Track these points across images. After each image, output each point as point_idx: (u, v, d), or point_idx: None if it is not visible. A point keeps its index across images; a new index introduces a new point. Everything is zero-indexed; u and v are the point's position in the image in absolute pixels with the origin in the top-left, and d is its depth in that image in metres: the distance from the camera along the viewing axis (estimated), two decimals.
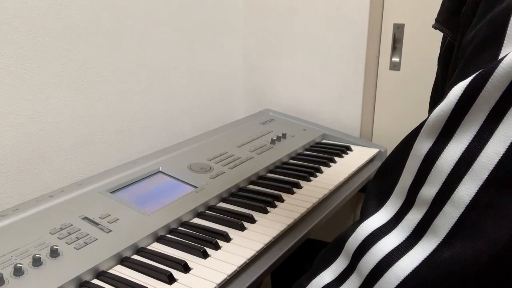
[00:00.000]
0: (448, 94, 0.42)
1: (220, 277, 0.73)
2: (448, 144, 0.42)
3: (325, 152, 1.28)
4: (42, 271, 0.71)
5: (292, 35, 1.54)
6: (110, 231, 0.82)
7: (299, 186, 1.05)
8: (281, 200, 0.99)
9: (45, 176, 1.07)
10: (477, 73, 0.40)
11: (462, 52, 0.46)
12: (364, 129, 1.49)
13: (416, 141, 0.45)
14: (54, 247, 0.74)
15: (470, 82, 0.40)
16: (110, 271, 0.75)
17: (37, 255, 0.72)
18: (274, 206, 0.96)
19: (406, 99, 1.41)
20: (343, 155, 1.27)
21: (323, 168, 1.17)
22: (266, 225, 0.89)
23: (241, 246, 0.82)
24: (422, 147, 0.44)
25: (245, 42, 1.64)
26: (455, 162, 0.41)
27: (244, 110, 1.71)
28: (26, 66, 1.00)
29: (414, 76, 1.38)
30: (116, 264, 0.77)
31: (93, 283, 0.72)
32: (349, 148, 1.32)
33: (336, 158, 1.24)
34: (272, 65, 1.61)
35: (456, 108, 0.41)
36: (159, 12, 1.30)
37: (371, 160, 1.29)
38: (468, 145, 0.41)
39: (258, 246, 0.81)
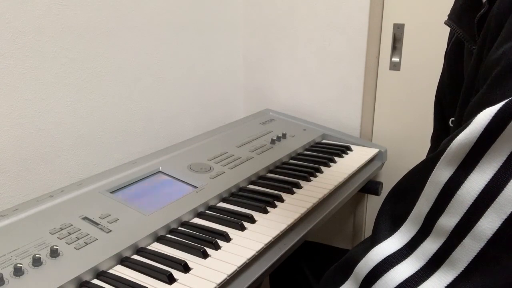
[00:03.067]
0: (474, 120, 0.39)
1: (220, 277, 0.73)
2: (471, 174, 0.40)
3: (325, 152, 1.28)
4: (42, 271, 0.71)
5: (292, 35, 1.54)
6: (110, 231, 0.82)
7: (299, 186, 1.05)
8: (281, 200, 0.99)
9: (45, 176, 1.07)
10: (506, 101, 0.38)
11: (486, 70, 0.43)
12: (364, 129, 1.49)
13: (436, 167, 0.43)
14: (54, 247, 0.74)
15: (499, 110, 0.38)
16: (110, 271, 0.75)
17: (37, 255, 0.72)
18: (274, 206, 0.96)
19: (406, 99, 1.41)
20: (343, 155, 1.27)
21: (323, 168, 1.17)
22: (266, 225, 0.89)
23: (241, 246, 0.82)
24: (442, 174, 0.42)
25: (245, 42, 1.64)
26: (478, 193, 0.39)
27: (244, 110, 1.71)
28: (26, 66, 1.00)
29: (414, 76, 1.38)
30: (116, 264, 0.77)
31: (93, 283, 0.72)
32: (349, 148, 1.32)
33: (336, 158, 1.24)
34: (272, 65, 1.61)
35: (482, 136, 0.39)
36: (159, 12, 1.30)
37: (371, 160, 1.29)
38: (492, 177, 0.39)
39: (258, 246, 0.81)
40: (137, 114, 1.29)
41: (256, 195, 1.00)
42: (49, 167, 1.08)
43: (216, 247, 0.81)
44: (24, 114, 1.01)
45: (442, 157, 0.42)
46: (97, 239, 0.79)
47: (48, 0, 1.02)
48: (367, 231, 1.57)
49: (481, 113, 0.39)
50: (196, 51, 1.45)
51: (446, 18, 0.64)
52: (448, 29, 0.67)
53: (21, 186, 1.03)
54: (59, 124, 1.09)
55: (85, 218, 0.85)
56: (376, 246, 0.47)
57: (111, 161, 1.22)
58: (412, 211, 0.45)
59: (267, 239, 0.83)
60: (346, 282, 0.50)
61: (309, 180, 1.10)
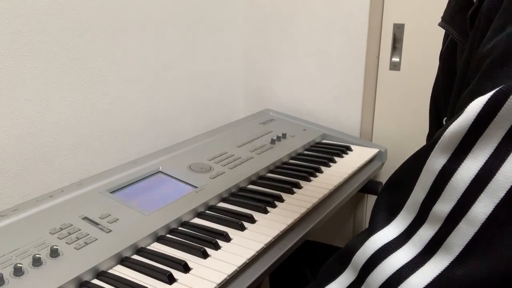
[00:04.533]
0: (466, 109, 0.41)
1: (220, 277, 0.73)
2: (464, 161, 0.41)
3: (325, 152, 1.28)
4: (42, 271, 0.71)
5: (292, 35, 1.54)
6: (110, 231, 0.82)
7: (299, 186, 1.05)
8: (281, 200, 0.99)
9: (45, 176, 1.07)
10: (497, 89, 0.39)
11: (477, 63, 0.45)
12: (364, 129, 1.49)
13: (430, 156, 0.44)
14: (54, 247, 0.74)
15: (490, 98, 0.39)
16: (110, 271, 0.75)
17: (37, 255, 0.72)
18: (274, 206, 0.96)
19: (406, 99, 1.41)
20: (343, 155, 1.27)
21: (323, 168, 1.17)
22: (266, 225, 0.89)
23: (241, 246, 0.82)
24: (436, 162, 0.43)
25: (245, 42, 1.64)
26: (471, 179, 0.40)
27: (244, 110, 1.71)
28: (26, 66, 1.00)
29: (414, 76, 1.38)
30: (116, 264, 0.77)
31: (93, 283, 0.72)
32: (349, 148, 1.32)
33: (336, 158, 1.24)
34: (272, 65, 1.61)
35: (474, 124, 0.40)
36: (159, 12, 1.30)
37: (371, 160, 1.29)
38: (485, 163, 0.40)
39: (258, 246, 0.81)
40: (137, 114, 1.29)
41: (256, 195, 1.00)
42: (49, 167, 1.08)
43: (216, 247, 0.81)
44: (24, 114, 1.01)
45: (436, 146, 0.43)
46: (97, 239, 0.79)
47: (48, 0, 1.02)
48: None
49: (473, 102, 0.40)
50: (196, 51, 1.45)
51: None
52: None
53: (21, 186, 1.03)
54: (59, 124, 1.09)
55: (85, 218, 0.85)
56: (373, 235, 0.48)
57: (111, 161, 1.22)
58: (408, 200, 0.46)
59: (267, 239, 0.83)
60: (344, 272, 0.51)
61: (309, 180, 1.10)
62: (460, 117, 0.41)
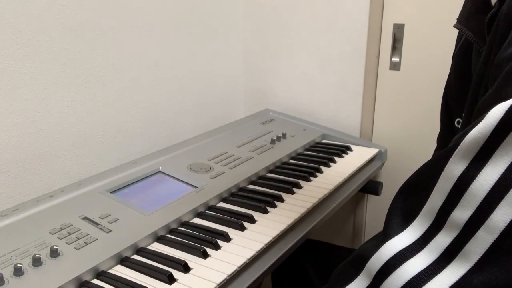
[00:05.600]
0: (487, 115, 0.40)
1: (220, 277, 0.73)
2: (484, 168, 0.41)
3: (325, 152, 1.28)
4: (42, 271, 0.71)
5: (292, 35, 1.54)
6: (110, 231, 0.82)
7: (299, 186, 1.05)
8: (281, 200, 0.99)
9: (45, 176, 1.07)
10: None
11: (497, 67, 0.44)
12: (364, 129, 1.49)
13: (449, 162, 0.43)
14: (54, 247, 0.74)
15: None
16: (110, 271, 0.75)
17: (37, 255, 0.72)
18: (274, 206, 0.96)
19: (406, 99, 1.41)
20: (343, 155, 1.27)
21: (323, 168, 1.17)
22: (266, 225, 0.89)
23: (241, 246, 0.82)
24: (455, 168, 0.43)
25: (245, 42, 1.64)
26: (491, 186, 0.40)
27: (244, 110, 1.71)
28: (26, 66, 1.00)
29: (414, 76, 1.38)
30: (116, 264, 0.77)
31: (93, 283, 0.72)
32: (349, 148, 1.32)
33: (336, 158, 1.24)
34: (272, 65, 1.61)
35: (495, 130, 0.40)
36: (159, 13, 1.30)
37: (371, 160, 1.29)
38: (505, 170, 0.39)
39: (258, 246, 0.81)
40: (137, 114, 1.29)
41: (256, 195, 1.00)
42: (49, 167, 1.08)
43: (216, 247, 0.81)
44: (24, 114, 1.01)
45: (455, 152, 0.43)
46: (97, 239, 0.79)
47: (48, 0, 1.02)
48: (367, 231, 1.57)
49: (494, 108, 0.40)
50: (196, 51, 1.45)
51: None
52: (450, 30, 0.67)
53: (21, 186, 1.03)
54: (59, 124, 1.09)
55: (85, 218, 0.85)
56: (389, 241, 0.47)
57: (111, 161, 1.22)
58: (425, 206, 0.46)
59: (267, 239, 0.83)
60: (358, 277, 0.50)
61: (309, 180, 1.10)
62: (481, 123, 0.41)
